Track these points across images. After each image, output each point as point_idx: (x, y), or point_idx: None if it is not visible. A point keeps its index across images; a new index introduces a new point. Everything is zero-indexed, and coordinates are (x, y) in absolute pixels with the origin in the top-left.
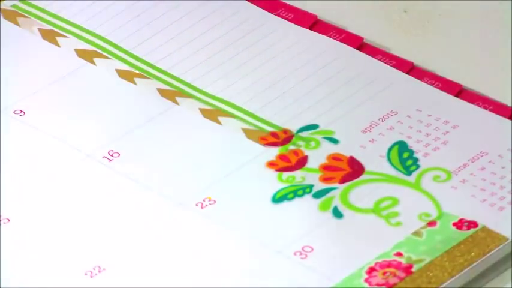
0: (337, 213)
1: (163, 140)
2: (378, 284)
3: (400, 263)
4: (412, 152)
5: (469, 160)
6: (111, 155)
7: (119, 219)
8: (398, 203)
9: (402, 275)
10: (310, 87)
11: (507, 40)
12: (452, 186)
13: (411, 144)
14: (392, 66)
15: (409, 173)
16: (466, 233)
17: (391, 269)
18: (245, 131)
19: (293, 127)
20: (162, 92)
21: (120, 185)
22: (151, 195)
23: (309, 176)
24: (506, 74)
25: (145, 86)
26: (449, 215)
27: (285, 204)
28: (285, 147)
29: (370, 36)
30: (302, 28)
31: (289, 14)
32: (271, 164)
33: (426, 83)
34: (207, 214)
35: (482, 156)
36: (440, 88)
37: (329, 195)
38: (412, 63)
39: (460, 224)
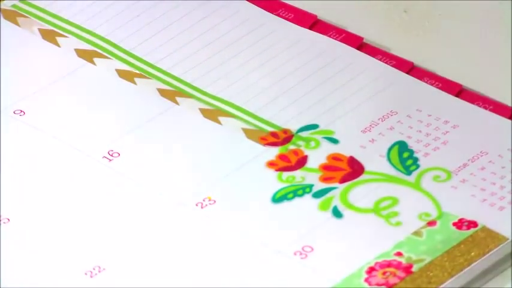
0: (337, 213)
1: (163, 140)
2: (377, 284)
3: (400, 262)
4: (412, 151)
5: (469, 160)
6: (111, 155)
7: (119, 219)
8: (398, 202)
9: (402, 274)
10: (310, 87)
11: (507, 40)
12: (452, 186)
13: (411, 144)
14: (392, 66)
15: (409, 173)
16: (466, 233)
17: (391, 269)
18: (245, 131)
19: (293, 127)
20: (162, 92)
21: (120, 185)
22: (151, 195)
23: (309, 175)
24: (506, 74)
25: (145, 86)
26: (449, 214)
27: (285, 204)
28: (285, 147)
29: (370, 36)
30: (302, 28)
31: (289, 14)
32: (271, 164)
33: (426, 83)
34: (207, 214)
35: (482, 156)
36: (440, 88)
37: (329, 195)
38: (412, 63)
39: (460, 224)
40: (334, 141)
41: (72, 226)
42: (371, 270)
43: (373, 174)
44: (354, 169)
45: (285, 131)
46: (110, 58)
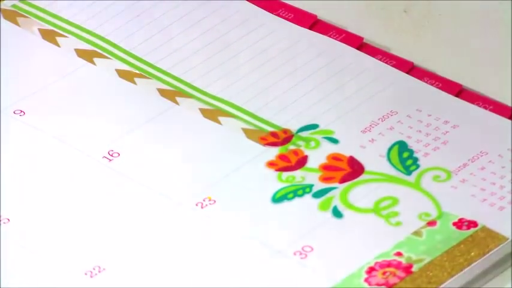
0: (337, 213)
1: (163, 140)
2: (377, 284)
3: (400, 262)
4: (412, 151)
5: (469, 160)
6: (111, 155)
7: (119, 219)
8: (398, 202)
9: (402, 274)
10: (310, 87)
11: (507, 40)
12: (452, 186)
13: (411, 144)
14: (392, 66)
15: (409, 173)
16: (465, 233)
17: (391, 269)
18: (245, 131)
19: (293, 127)
20: (162, 92)
21: (120, 185)
22: (151, 195)
23: (309, 175)
24: (506, 74)
25: (145, 86)
26: (449, 214)
27: (285, 204)
28: (284, 147)
29: (370, 36)
30: (302, 28)
31: (289, 14)
32: (271, 164)
33: (426, 83)
34: (207, 214)
35: (482, 156)
36: (440, 88)
37: (329, 195)
38: (412, 63)
39: (459, 224)
40: (334, 141)
41: (72, 226)
42: (371, 270)
43: (373, 174)
44: (354, 169)
45: (285, 131)
46: (109, 58)
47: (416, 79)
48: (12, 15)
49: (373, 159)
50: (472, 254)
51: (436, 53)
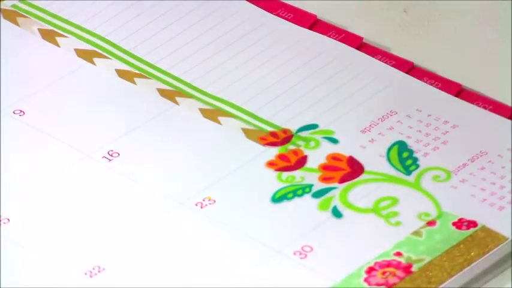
0: (336, 213)
1: (163, 140)
2: (377, 284)
3: (399, 262)
4: (411, 151)
5: (468, 160)
6: (111, 155)
7: (119, 219)
8: (397, 202)
9: (402, 274)
10: (310, 87)
11: (507, 40)
12: (451, 185)
13: (411, 144)
14: (392, 66)
15: (409, 173)
16: (465, 233)
17: (391, 269)
18: (245, 131)
19: (293, 127)
20: (162, 92)
21: (120, 185)
22: (151, 195)
23: (309, 175)
24: (506, 74)
25: (145, 86)
26: (448, 214)
27: (285, 204)
28: (284, 147)
29: (370, 36)
30: (302, 28)
31: (289, 14)
32: (270, 164)
33: (426, 83)
34: (207, 214)
35: (482, 156)
36: (440, 88)
37: (329, 195)
38: (412, 63)
39: (459, 224)
40: (334, 141)
41: (72, 226)
42: (370, 270)
43: (372, 174)
44: (353, 169)
45: (285, 131)
46: (109, 58)
47: (416, 79)
48: (12, 15)
49: (373, 159)
50: (472, 254)
51: (436, 53)
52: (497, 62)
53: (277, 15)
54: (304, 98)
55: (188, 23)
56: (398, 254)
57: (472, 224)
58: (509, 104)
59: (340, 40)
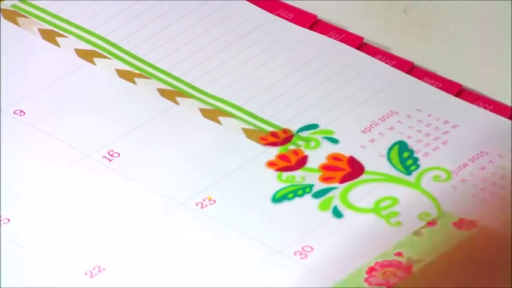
0: (337, 213)
1: (163, 140)
2: (378, 284)
3: (400, 262)
4: (412, 151)
5: (469, 160)
6: (111, 155)
7: (119, 219)
8: (398, 202)
9: (402, 274)
10: (310, 87)
11: (507, 40)
12: (452, 185)
13: (411, 144)
14: (392, 66)
15: (409, 173)
16: (466, 233)
17: (391, 269)
18: (245, 130)
19: (293, 127)
20: (162, 92)
21: (120, 185)
22: (151, 195)
23: (309, 175)
24: (506, 74)
25: (145, 86)
26: (449, 214)
27: (285, 204)
28: (284, 147)
29: (370, 36)
30: (302, 28)
31: (289, 14)
32: (271, 164)
33: (426, 83)
34: (207, 214)
35: (482, 156)
36: (440, 88)
37: (329, 195)
38: (412, 63)
39: (460, 224)
40: (334, 141)
41: (72, 226)
42: (371, 270)
43: (373, 174)
44: (354, 169)
45: (285, 131)
46: (109, 58)
47: (416, 79)
48: (12, 15)
49: (373, 159)
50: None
51: (436, 53)
52: (497, 62)
53: (278, 15)
54: (304, 98)
55: (188, 23)
56: (399, 254)
57: (472, 224)
58: (509, 104)
59: (341, 40)
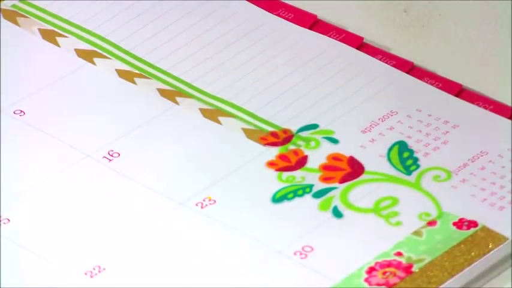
0: (337, 213)
1: (163, 140)
2: (378, 284)
3: (400, 262)
4: (412, 151)
5: (469, 160)
6: (111, 155)
7: (119, 219)
8: (398, 202)
9: (402, 274)
10: (310, 87)
11: (507, 40)
12: (452, 185)
13: (411, 144)
14: (392, 66)
15: (409, 173)
16: (466, 233)
17: (391, 269)
18: (245, 130)
19: (293, 127)
20: (162, 92)
21: (120, 185)
22: (151, 195)
23: (309, 175)
24: (506, 74)
25: (145, 86)
26: (449, 214)
27: (285, 204)
28: (285, 147)
29: (370, 36)
30: (302, 28)
31: (289, 14)
32: (271, 164)
33: (426, 83)
34: (207, 214)
35: (482, 155)
36: (440, 88)
37: (329, 195)
38: (412, 63)
39: (460, 224)
40: (334, 141)
41: (72, 226)
42: (371, 270)
43: (373, 174)
44: (354, 169)
45: (285, 131)
46: (109, 58)
47: (416, 79)
48: (12, 15)
49: (373, 159)
50: (472, 254)
51: (436, 53)
52: (497, 62)
53: (278, 15)
54: (304, 98)
55: (188, 23)
56: (399, 254)
57: (472, 224)
58: (509, 104)
59: (341, 40)
